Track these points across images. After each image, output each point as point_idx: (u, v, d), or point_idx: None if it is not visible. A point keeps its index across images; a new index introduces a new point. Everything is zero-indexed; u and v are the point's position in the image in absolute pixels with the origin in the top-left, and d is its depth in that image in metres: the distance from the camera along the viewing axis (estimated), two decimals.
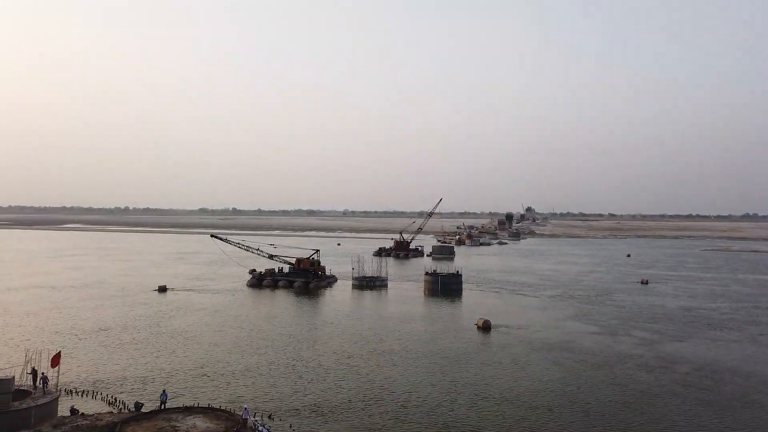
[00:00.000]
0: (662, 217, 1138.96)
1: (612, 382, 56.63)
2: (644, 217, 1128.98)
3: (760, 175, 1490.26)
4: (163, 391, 47.70)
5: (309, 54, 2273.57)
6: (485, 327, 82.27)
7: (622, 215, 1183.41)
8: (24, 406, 39.14)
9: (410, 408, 48.40)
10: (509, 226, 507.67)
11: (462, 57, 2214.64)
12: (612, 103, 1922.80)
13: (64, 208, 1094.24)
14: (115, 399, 49.02)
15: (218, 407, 43.46)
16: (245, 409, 39.94)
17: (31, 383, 43.31)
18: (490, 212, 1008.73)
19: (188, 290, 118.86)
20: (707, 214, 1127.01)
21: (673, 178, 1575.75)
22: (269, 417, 45.37)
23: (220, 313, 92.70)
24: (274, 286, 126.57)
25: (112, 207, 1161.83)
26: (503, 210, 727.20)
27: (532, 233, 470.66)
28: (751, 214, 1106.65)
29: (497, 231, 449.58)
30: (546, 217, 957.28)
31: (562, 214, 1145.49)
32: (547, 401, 50.50)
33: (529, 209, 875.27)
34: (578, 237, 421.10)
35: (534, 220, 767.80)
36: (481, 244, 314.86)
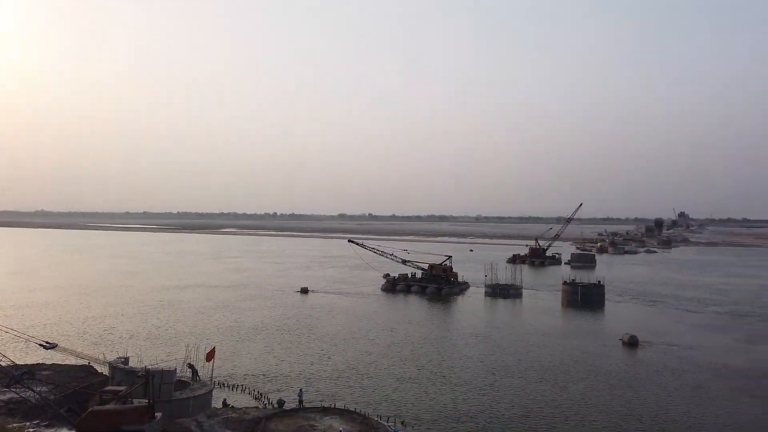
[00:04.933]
0: None
1: None
2: None
3: None
4: (300, 389, 50.22)
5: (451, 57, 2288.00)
6: (631, 343, 76.13)
7: None
8: (183, 396, 43.35)
9: None
10: (658, 234, 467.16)
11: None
12: None
13: (221, 214, 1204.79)
14: (261, 394, 52.56)
15: (354, 410, 44.75)
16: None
17: (190, 375, 47.83)
18: (636, 218, 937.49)
19: (328, 293, 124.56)
20: None
21: None
22: (402, 423, 45.72)
23: (357, 317, 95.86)
24: (407, 291, 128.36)
25: (262, 213, 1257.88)
26: (651, 216, 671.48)
27: (685, 241, 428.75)
28: None
29: (644, 238, 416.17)
30: (702, 224, 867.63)
31: (721, 220, 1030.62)
32: None
33: (682, 215, 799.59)
34: (742, 246, 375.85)
35: (688, 227, 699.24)
36: (625, 253, 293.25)
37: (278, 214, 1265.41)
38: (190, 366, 48.32)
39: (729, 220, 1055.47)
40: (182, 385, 45.32)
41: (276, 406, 47.07)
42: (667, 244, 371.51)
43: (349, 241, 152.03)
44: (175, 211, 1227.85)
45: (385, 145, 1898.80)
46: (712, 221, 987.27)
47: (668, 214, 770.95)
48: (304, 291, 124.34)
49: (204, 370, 49.33)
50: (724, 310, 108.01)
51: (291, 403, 47.85)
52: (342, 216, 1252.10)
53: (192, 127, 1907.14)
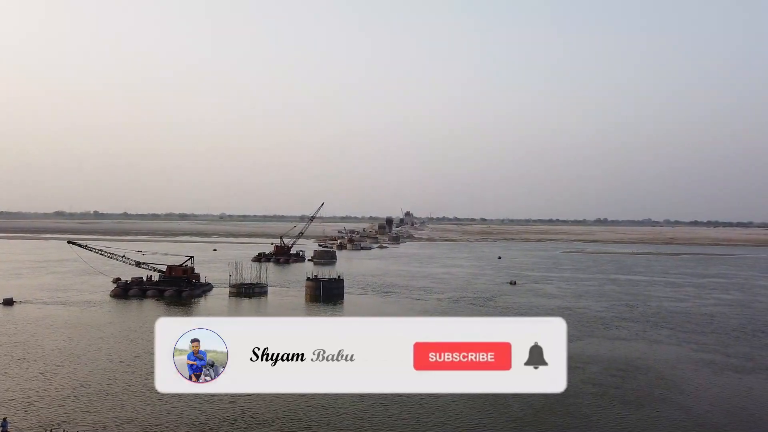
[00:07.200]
0: (527, 221, 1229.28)
1: None
2: (512, 222, 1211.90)
3: (609, 182, 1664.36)
4: (4, 419, 41.55)
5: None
6: None
7: (492, 219, 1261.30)
8: None
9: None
10: (389, 230, 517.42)
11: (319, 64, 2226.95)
12: (479, 114, 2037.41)
13: None
14: None
15: None
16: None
17: None
18: (371, 216, 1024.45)
19: (45, 303, 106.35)
20: (566, 219, 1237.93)
21: (537, 186, 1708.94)
22: None
23: (85, 328, 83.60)
24: (142, 295, 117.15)
25: None
26: (384, 214, 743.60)
27: (411, 237, 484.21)
28: (602, 219, 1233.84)
29: (378, 235, 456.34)
30: (424, 222, 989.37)
31: (438, 219, 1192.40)
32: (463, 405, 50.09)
33: (407, 213, 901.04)
34: (453, 241, 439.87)
35: (413, 225, 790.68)
36: (362, 248, 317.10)
37: None
38: None
39: (444, 218, 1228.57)
40: None
41: None
42: (396, 240, 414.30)
43: (69, 242, 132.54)
44: None
45: (110, 135, 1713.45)
46: (431, 219, 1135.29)
47: (397, 213, 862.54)
48: (8, 302, 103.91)
49: None
50: (444, 297, 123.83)
51: None
52: (59, 214, 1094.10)
53: None
